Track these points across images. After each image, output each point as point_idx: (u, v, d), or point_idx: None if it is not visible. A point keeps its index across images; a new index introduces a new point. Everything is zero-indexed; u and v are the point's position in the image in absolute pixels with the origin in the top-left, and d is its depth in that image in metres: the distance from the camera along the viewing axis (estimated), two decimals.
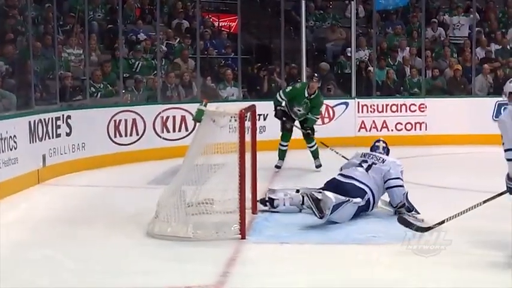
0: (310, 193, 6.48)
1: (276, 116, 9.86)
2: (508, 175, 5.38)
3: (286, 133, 9.94)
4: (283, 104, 9.76)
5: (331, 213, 6.27)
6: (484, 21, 14.55)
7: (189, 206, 6.31)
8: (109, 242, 6.11)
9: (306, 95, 9.70)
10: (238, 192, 6.05)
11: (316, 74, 10.41)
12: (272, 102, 9.90)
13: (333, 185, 6.81)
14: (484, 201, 5.80)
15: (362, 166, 7.01)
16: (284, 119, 9.79)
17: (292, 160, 10.16)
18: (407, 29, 14.43)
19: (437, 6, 15.00)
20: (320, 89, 10.11)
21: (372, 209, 6.89)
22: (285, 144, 9.96)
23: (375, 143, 7.47)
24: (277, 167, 9.98)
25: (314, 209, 6.31)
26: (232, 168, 6.06)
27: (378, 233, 6.13)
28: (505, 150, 5.32)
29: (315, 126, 10.06)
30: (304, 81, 11.84)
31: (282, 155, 10.01)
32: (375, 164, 6.99)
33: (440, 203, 5.99)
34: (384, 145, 7.39)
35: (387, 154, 7.27)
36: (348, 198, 6.47)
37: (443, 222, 5.87)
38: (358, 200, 6.64)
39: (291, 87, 10.00)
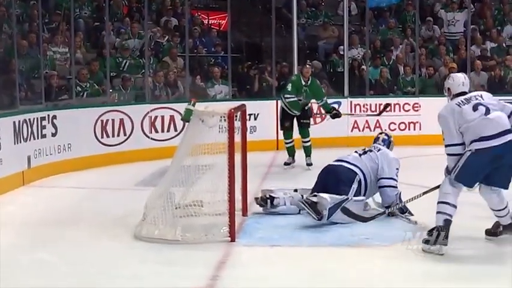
0: (304, 199, 6.48)
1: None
2: (446, 168, 5.66)
3: (286, 131, 10.01)
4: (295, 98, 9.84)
5: (329, 216, 6.26)
6: (480, 18, 14.46)
7: (177, 208, 6.25)
8: (96, 245, 6.02)
9: (303, 82, 9.89)
10: (228, 194, 5.97)
11: (308, 60, 10.67)
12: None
13: (325, 172, 6.90)
14: (424, 193, 6.08)
15: (357, 152, 7.06)
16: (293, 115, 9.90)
17: (284, 160, 10.17)
18: (401, 21, 14.32)
19: (431, 3, 14.87)
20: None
21: (365, 193, 6.78)
22: (288, 141, 10.06)
23: (377, 135, 7.50)
24: (286, 163, 10.11)
25: (311, 213, 6.31)
26: (222, 170, 5.99)
27: (371, 235, 6.06)
28: (446, 146, 5.62)
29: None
30: (296, 73, 11.78)
31: (289, 152, 10.10)
32: (371, 151, 7.02)
33: (433, 204, 5.91)
34: (386, 137, 7.36)
35: (388, 146, 7.23)
36: (346, 197, 6.43)
37: (383, 213, 6.45)
38: (361, 198, 6.63)
39: (290, 84, 10.00)
